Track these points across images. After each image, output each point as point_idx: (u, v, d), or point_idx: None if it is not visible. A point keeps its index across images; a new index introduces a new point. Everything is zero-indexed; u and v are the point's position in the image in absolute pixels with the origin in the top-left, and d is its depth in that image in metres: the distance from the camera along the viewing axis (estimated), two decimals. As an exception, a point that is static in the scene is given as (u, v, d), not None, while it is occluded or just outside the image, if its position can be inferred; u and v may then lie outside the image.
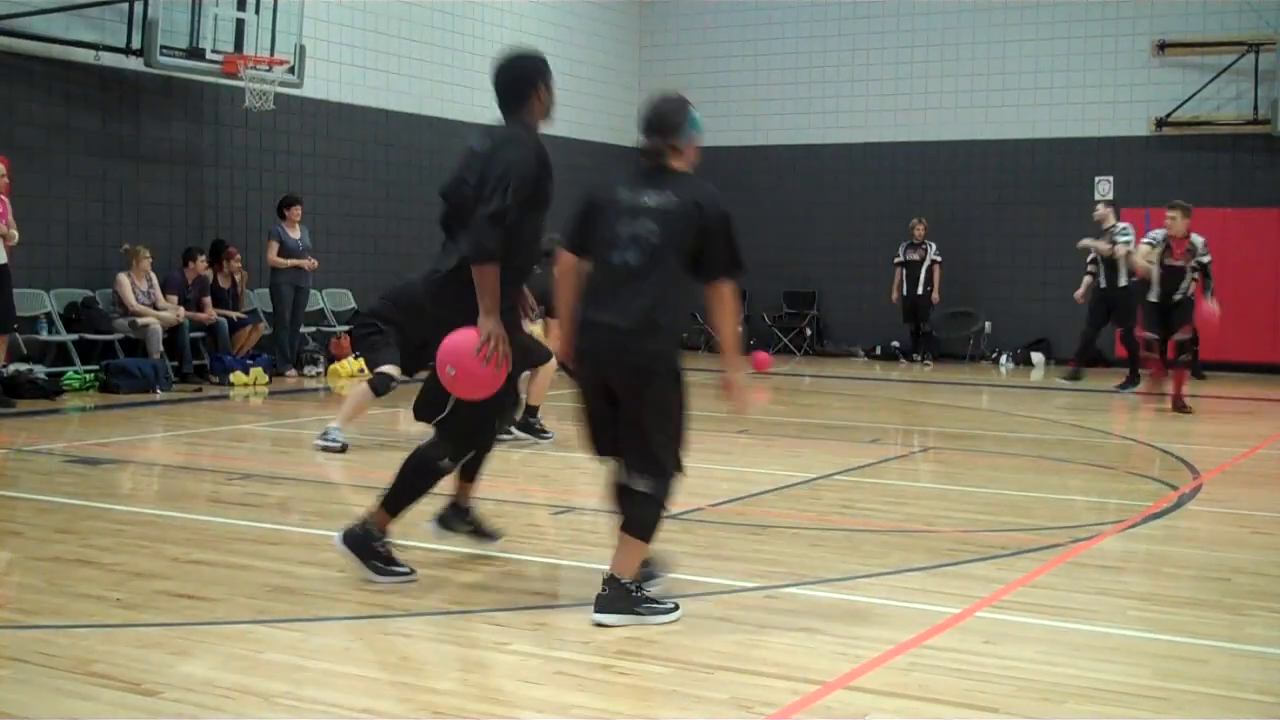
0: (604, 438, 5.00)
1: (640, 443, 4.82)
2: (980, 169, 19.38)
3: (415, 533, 6.38)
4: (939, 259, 18.43)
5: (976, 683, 4.15)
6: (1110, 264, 14.89)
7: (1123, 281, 14.66)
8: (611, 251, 4.82)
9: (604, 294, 4.82)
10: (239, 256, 14.53)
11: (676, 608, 4.83)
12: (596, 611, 4.73)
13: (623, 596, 4.74)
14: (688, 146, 5.08)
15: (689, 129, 5.07)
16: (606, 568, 4.84)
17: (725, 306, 4.88)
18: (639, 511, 4.82)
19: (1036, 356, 18.64)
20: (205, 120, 14.64)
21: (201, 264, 14.07)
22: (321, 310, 16.03)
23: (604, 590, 4.76)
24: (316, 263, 14.81)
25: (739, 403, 5.07)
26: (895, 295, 18.54)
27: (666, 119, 5.04)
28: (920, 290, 18.37)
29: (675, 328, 4.86)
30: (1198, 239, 12.73)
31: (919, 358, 18.61)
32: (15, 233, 11.48)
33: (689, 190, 4.89)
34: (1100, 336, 15.62)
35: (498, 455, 8.90)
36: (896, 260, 18.59)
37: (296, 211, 14.60)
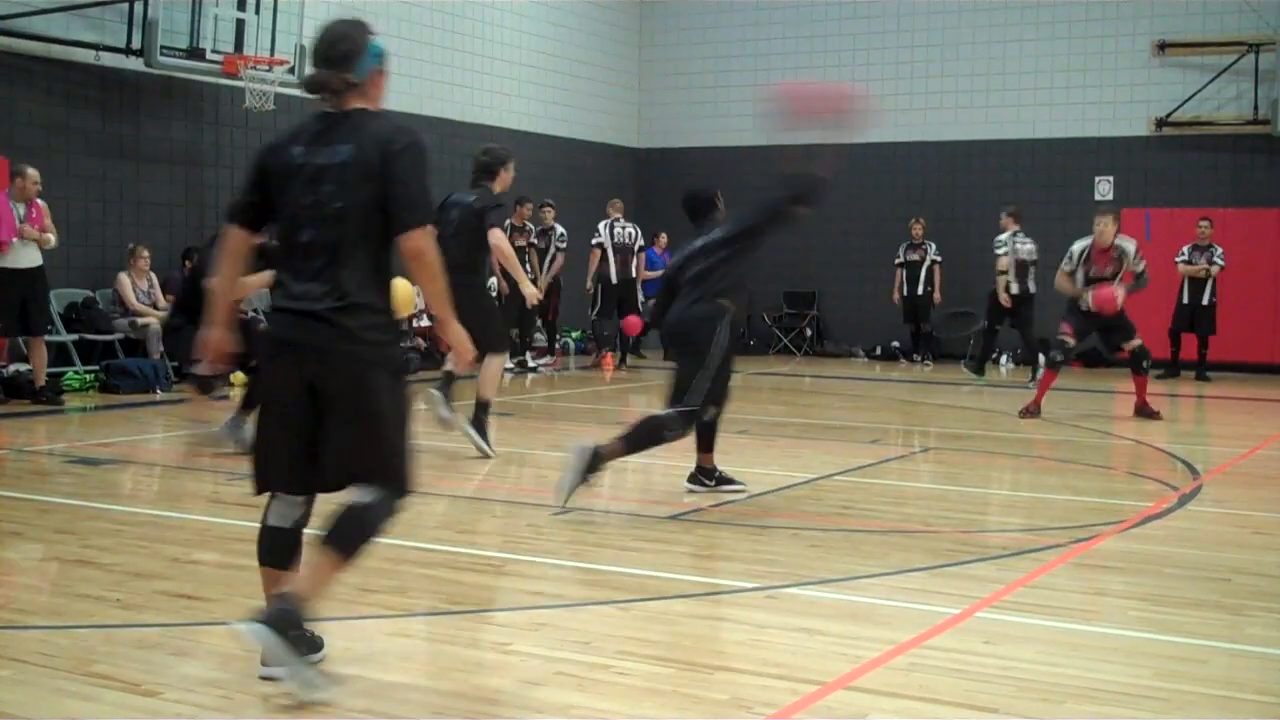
0: (293, 463, 4.01)
1: (359, 450, 3.95)
2: (980, 169, 19.38)
3: (413, 532, 6.39)
4: (939, 259, 18.41)
5: (976, 683, 4.15)
6: (1020, 268, 16.16)
7: (1016, 289, 16.08)
8: (294, 226, 4.01)
9: (294, 276, 4.00)
10: None
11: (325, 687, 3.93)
12: (252, 622, 3.84)
13: (291, 624, 3.83)
14: (369, 81, 4.10)
15: (367, 58, 4.09)
16: (269, 676, 3.98)
17: (423, 263, 4.02)
18: (357, 518, 3.96)
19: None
20: (205, 120, 14.64)
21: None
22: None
23: (269, 614, 3.84)
24: None
25: (461, 358, 4.36)
26: (896, 295, 18.52)
27: (337, 46, 4.06)
28: (921, 290, 18.36)
29: (386, 309, 4.08)
30: (1128, 245, 11.92)
31: (919, 358, 18.59)
32: (51, 236, 11.66)
33: (369, 137, 3.96)
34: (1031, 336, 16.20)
35: (497, 456, 8.89)
36: (897, 261, 18.56)
37: None
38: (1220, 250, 16.25)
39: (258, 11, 14.05)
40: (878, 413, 12.65)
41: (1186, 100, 17.92)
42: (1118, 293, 11.63)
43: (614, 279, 17.16)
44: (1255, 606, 5.24)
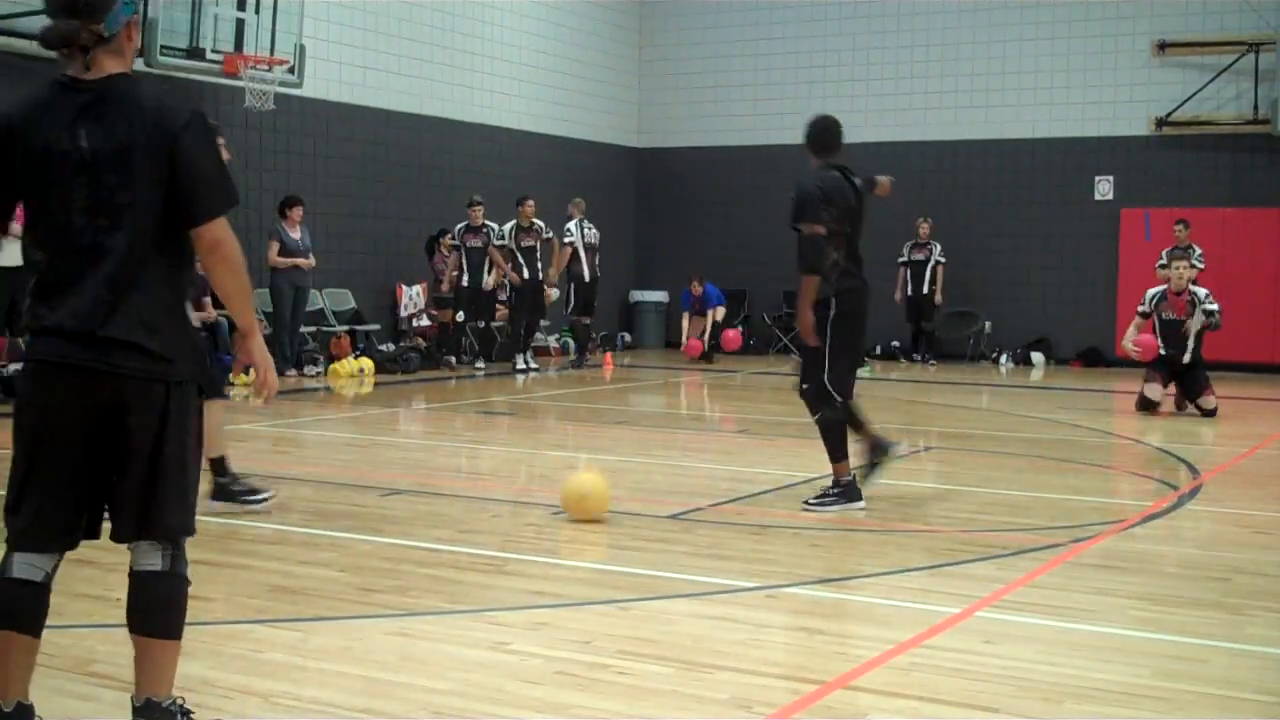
0: (61, 508, 3.30)
1: (148, 497, 3.29)
2: (980, 169, 19.38)
3: (414, 532, 6.39)
4: (943, 259, 18.40)
5: (976, 683, 4.15)
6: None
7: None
8: (61, 222, 3.26)
9: (64, 286, 3.25)
10: None
11: None
12: None
13: None
14: (123, 35, 3.33)
15: (120, 7, 3.31)
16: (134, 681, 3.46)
17: (223, 258, 3.35)
18: (169, 597, 3.37)
19: (1036, 356, 18.64)
20: (205, 120, 14.63)
21: (198, 264, 14.04)
22: (321, 310, 16.04)
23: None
24: (314, 260, 14.82)
25: (264, 383, 3.54)
26: (899, 295, 18.48)
27: None
28: (925, 290, 18.35)
29: (182, 324, 3.39)
30: (1199, 289, 12.69)
31: (920, 358, 18.57)
32: None
33: (148, 115, 3.25)
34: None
35: (497, 456, 8.89)
36: (900, 260, 18.54)
37: (298, 212, 14.61)
38: (1199, 251, 16.16)
39: (258, 11, 14.04)
40: (878, 413, 12.59)
41: (1186, 100, 17.92)
42: (1192, 337, 12.33)
43: (586, 277, 17.22)
44: (1255, 606, 5.24)
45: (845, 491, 7.19)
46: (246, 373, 13.60)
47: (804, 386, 7.27)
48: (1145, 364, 12.56)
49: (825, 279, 7.02)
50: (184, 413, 3.33)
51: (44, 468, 3.28)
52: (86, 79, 3.27)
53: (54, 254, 3.28)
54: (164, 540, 3.36)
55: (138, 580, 3.36)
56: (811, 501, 7.22)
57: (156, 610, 3.35)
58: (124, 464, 3.28)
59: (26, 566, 3.28)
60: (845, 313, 7.13)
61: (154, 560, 3.35)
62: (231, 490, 6.77)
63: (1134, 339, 12.42)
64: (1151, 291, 12.72)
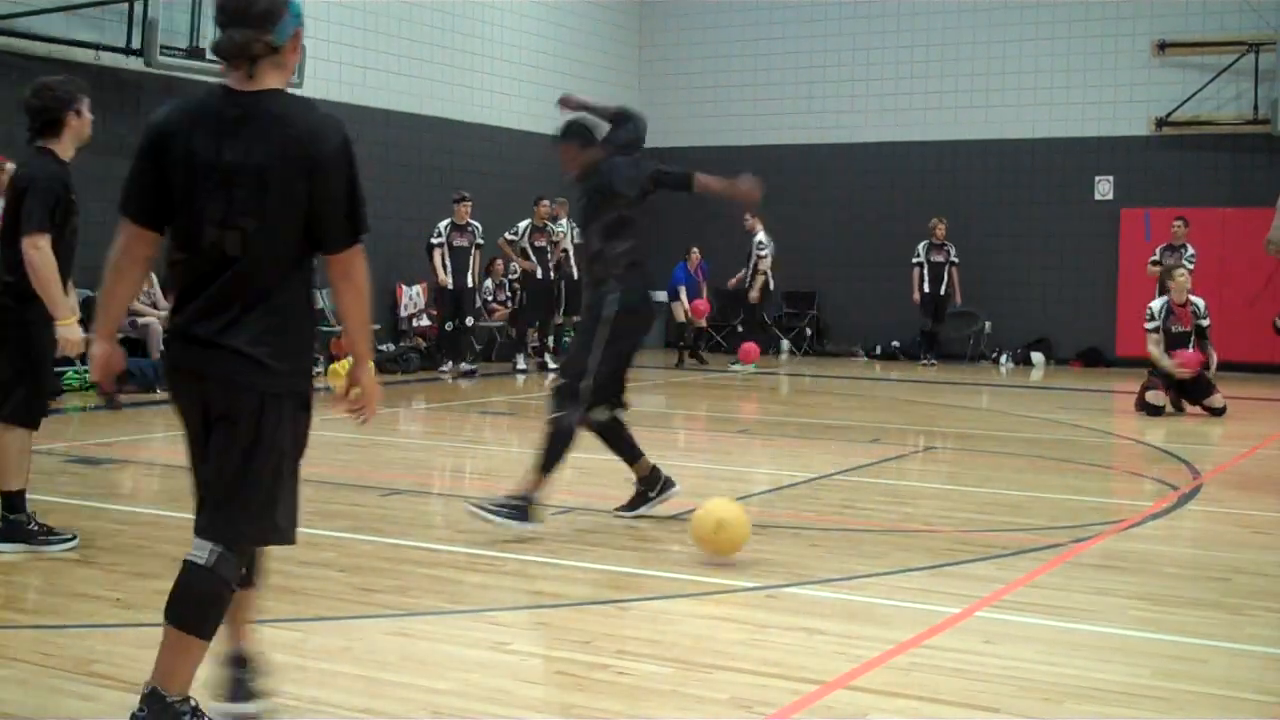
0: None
1: (223, 500, 3.37)
2: (980, 169, 19.38)
3: (414, 532, 6.39)
4: (956, 260, 18.27)
5: (977, 683, 4.15)
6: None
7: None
8: (195, 230, 3.33)
9: (193, 292, 3.36)
10: None
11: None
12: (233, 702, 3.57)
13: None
14: (288, 47, 3.41)
15: (290, 18, 3.40)
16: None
17: (350, 286, 3.38)
18: (201, 592, 3.40)
19: (1036, 356, 18.64)
20: (205, 120, 14.64)
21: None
22: (321, 310, 16.03)
23: (141, 712, 3.35)
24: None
25: (368, 410, 3.68)
26: (916, 295, 18.27)
27: (256, 2, 3.39)
28: (943, 291, 18.19)
29: (296, 339, 3.43)
30: (1198, 300, 12.73)
31: (926, 358, 18.41)
32: None
33: (292, 135, 3.28)
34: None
35: (496, 456, 8.88)
36: (916, 260, 18.32)
37: None
38: (1192, 251, 16.14)
39: (258, 11, 14.04)
40: (878, 412, 12.65)
41: (1186, 100, 17.92)
42: (1210, 354, 12.48)
43: (575, 275, 17.20)
44: (1255, 606, 5.24)
45: (522, 510, 6.20)
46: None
47: (561, 382, 6.43)
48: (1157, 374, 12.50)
49: (614, 264, 6.52)
50: (280, 425, 3.37)
51: (190, 459, 3.48)
52: (242, 91, 3.33)
53: (187, 260, 3.36)
54: (219, 542, 3.37)
55: (182, 568, 3.41)
56: (486, 506, 6.25)
57: (186, 601, 3.37)
58: (214, 464, 3.37)
59: (194, 551, 3.39)
60: (630, 308, 6.47)
61: (201, 554, 3.37)
62: (27, 530, 5.84)
63: (1179, 358, 12.27)
64: (1156, 305, 12.65)
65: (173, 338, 3.42)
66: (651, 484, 6.82)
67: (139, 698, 3.40)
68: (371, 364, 3.62)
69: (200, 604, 3.36)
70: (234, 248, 3.28)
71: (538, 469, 6.29)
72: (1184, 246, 16.33)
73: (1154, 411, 12.24)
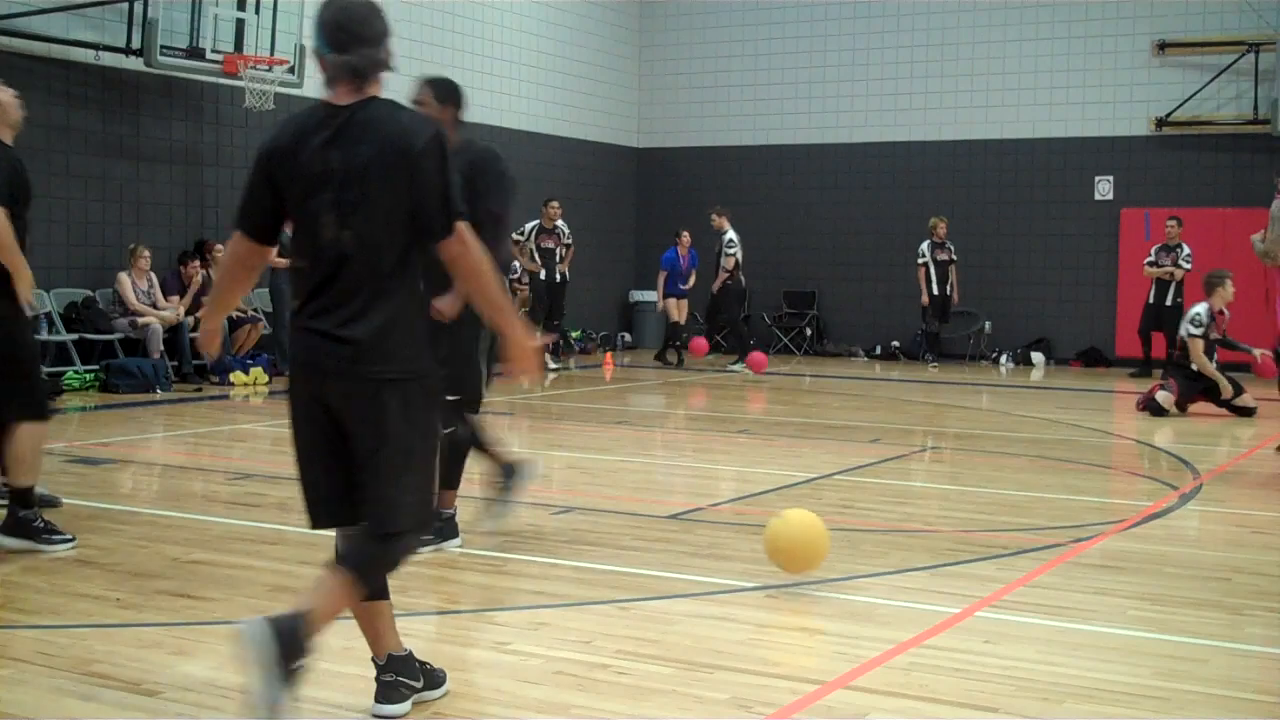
0: (323, 490, 3.68)
1: (368, 488, 3.59)
2: (980, 169, 19.39)
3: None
4: (955, 259, 18.15)
5: (976, 682, 4.15)
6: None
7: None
8: (313, 234, 3.60)
9: (315, 292, 3.63)
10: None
11: (442, 682, 3.97)
12: (383, 704, 3.78)
13: (408, 674, 3.84)
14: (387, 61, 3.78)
15: (388, 40, 3.77)
16: (385, 714, 3.81)
17: (461, 270, 3.58)
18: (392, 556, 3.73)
19: (1036, 356, 18.64)
20: (205, 120, 14.64)
21: (195, 265, 14.04)
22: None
23: (386, 678, 3.78)
24: None
25: (529, 374, 3.74)
26: (926, 296, 18.03)
27: (372, 24, 3.72)
28: (948, 291, 18.06)
29: (414, 328, 3.63)
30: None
31: (931, 358, 18.28)
32: None
33: (390, 136, 3.57)
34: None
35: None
36: (920, 260, 18.07)
37: None
38: (1187, 251, 16.30)
39: (258, 11, 14.04)
40: (877, 412, 12.65)
41: (1186, 100, 17.92)
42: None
43: (558, 278, 17.14)
44: (1255, 606, 5.24)
45: (444, 528, 5.92)
46: (246, 371, 13.62)
47: (456, 397, 5.72)
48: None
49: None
50: (407, 411, 3.55)
51: (304, 454, 3.67)
52: (343, 104, 3.59)
53: (309, 262, 3.62)
54: (390, 527, 3.59)
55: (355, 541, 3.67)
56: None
57: (363, 565, 3.63)
58: (352, 456, 3.58)
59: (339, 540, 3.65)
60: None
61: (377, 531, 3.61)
62: (33, 526, 5.87)
63: (1261, 369, 12.40)
64: (1203, 312, 12.46)
65: (298, 335, 3.64)
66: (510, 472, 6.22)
67: (375, 671, 3.75)
68: (519, 330, 3.68)
69: (376, 562, 3.67)
70: (349, 246, 3.52)
71: (447, 484, 5.80)
72: (1179, 246, 16.36)
73: (1159, 412, 12.23)
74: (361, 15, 3.67)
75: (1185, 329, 12.47)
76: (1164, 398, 12.24)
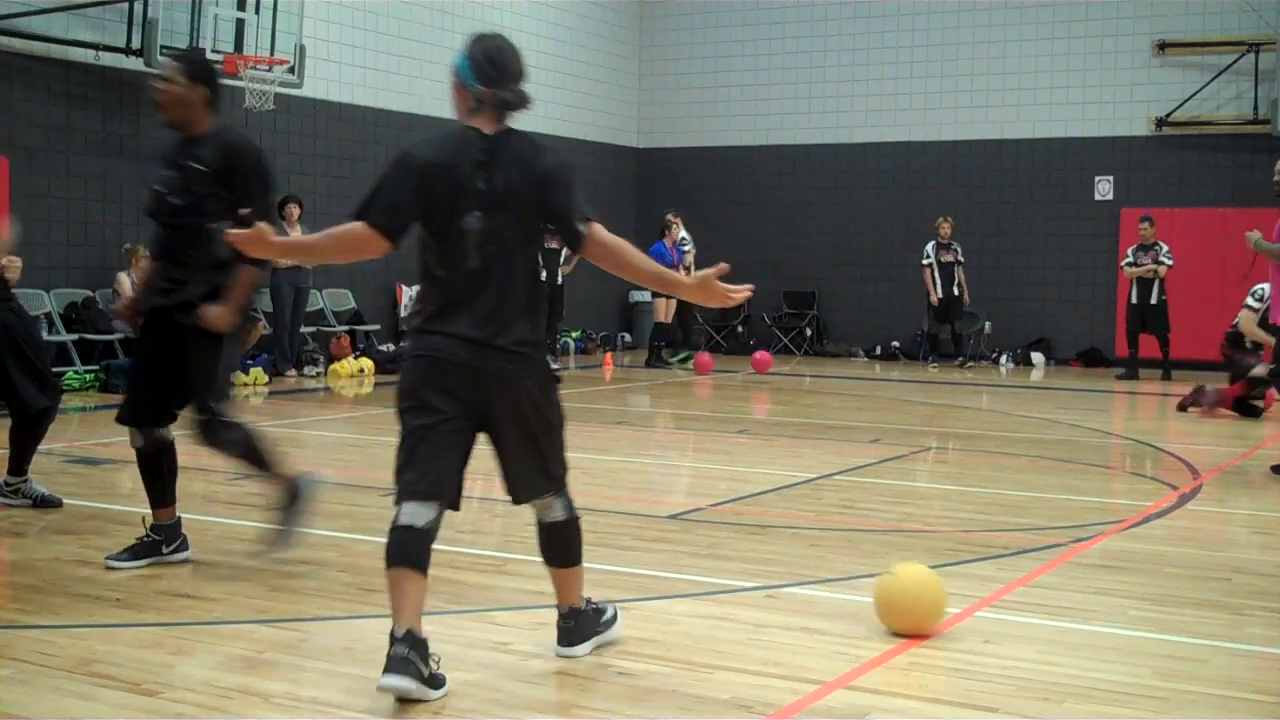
0: (441, 469, 4.04)
1: (532, 465, 4.15)
2: (980, 169, 19.39)
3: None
4: (963, 260, 17.91)
5: (976, 682, 4.15)
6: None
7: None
8: (460, 248, 4.00)
9: (460, 300, 4.00)
10: None
11: (616, 615, 4.54)
12: (567, 646, 4.36)
13: (586, 622, 4.44)
14: None
15: None
16: (570, 654, 4.36)
17: (611, 257, 4.04)
18: (571, 538, 4.37)
19: (1036, 356, 18.64)
20: (205, 120, 14.63)
21: None
22: (321, 310, 16.04)
23: (567, 621, 4.39)
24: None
25: (731, 297, 4.20)
26: (935, 298, 17.79)
27: (520, 61, 4.08)
28: (955, 291, 17.77)
29: (539, 325, 4.12)
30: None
31: (959, 360, 17.93)
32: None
33: (528, 164, 4.00)
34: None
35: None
36: (925, 261, 17.83)
37: (292, 211, 14.62)
38: (1166, 248, 16.17)
39: (258, 11, 14.05)
40: (877, 413, 12.65)
41: (1186, 100, 17.93)
42: None
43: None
44: (1255, 606, 5.24)
45: (167, 539, 5.63)
46: (246, 371, 13.63)
47: (208, 404, 5.36)
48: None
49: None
50: (546, 396, 4.08)
51: (432, 439, 3.98)
52: (489, 133, 4.01)
53: (451, 273, 3.99)
54: (555, 493, 4.23)
55: (543, 529, 4.31)
56: (118, 558, 5.54)
57: (562, 548, 4.33)
58: (508, 441, 4.08)
59: (412, 515, 3.95)
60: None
61: (555, 511, 4.26)
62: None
63: None
64: (1265, 287, 12.18)
65: (437, 339, 3.99)
66: (172, 537, 5.68)
67: (557, 618, 4.39)
68: (685, 283, 4.17)
69: (570, 542, 4.34)
70: (493, 261, 3.97)
71: (164, 502, 5.65)
72: (1157, 244, 16.15)
73: (1249, 412, 12.00)
74: (509, 55, 4.05)
75: (1247, 302, 12.21)
76: (1260, 369, 11.61)
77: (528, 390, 4.02)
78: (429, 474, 3.98)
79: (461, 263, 3.97)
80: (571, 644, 4.37)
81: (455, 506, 4.08)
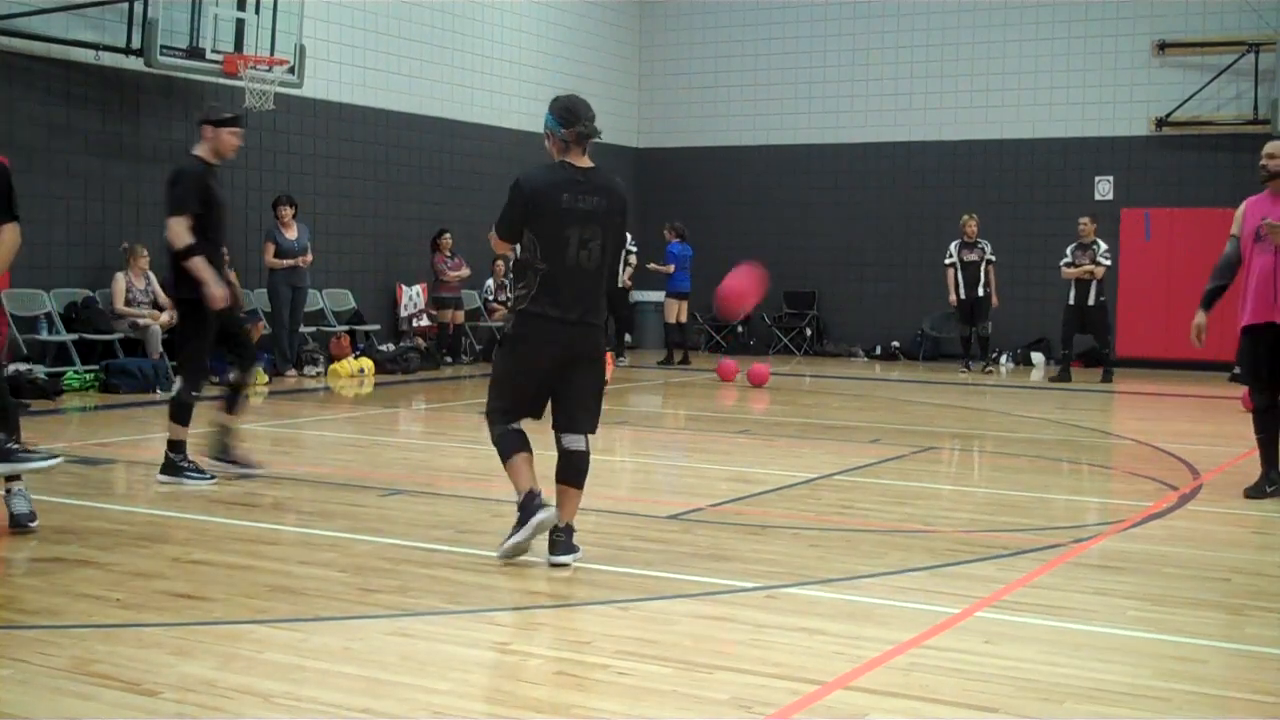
0: (531, 403, 5.85)
1: (584, 407, 5.83)
2: (980, 169, 19.39)
3: (414, 532, 6.39)
4: (994, 258, 17.17)
5: (976, 683, 4.15)
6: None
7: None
8: (562, 251, 5.66)
9: (560, 288, 5.67)
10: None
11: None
12: (562, 555, 5.71)
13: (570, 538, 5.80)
14: None
15: None
16: (562, 562, 5.69)
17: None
18: (585, 466, 5.85)
19: (1036, 356, 18.63)
20: (205, 120, 14.63)
21: None
22: (321, 310, 16.04)
23: (561, 537, 5.75)
24: (310, 257, 14.80)
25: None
26: (953, 297, 17.21)
27: (587, 110, 5.85)
28: (981, 292, 17.04)
29: (605, 309, 5.95)
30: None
31: (981, 364, 17.41)
32: None
33: (611, 194, 5.77)
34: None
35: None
36: (948, 261, 17.25)
37: (287, 212, 14.62)
38: (1105, 247, 15.77)
39: (258, 11, 14.05)
40: (878, 412, 12.65)
41: (1186, 100, 17.93)
42: None
43: None
44: (1255, 606, 5.24)
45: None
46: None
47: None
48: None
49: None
50: (604, 362, 5.90)
51: (526, 385, 5.78)
52: (581, 166, 5.72)
53: (554, 268, 5.62)
54: (587, 432, 5.84)
55: (569, 454, 5.80)
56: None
57: (578, 472, 5.81)
58: (572, 389, 5.76)
59: (570, 442, 5.84)
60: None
61: (580, 444, 5.80)
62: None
63: None
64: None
65: (543, 317, 5.65)
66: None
67: (552, 533, 5.74)
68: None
69: (584, 470, 5.82)
70: (589, 262, 5.67)
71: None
72: (1095, 243, 15.73)
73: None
74: (580, 103, 5.83)
75: None
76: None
77: (592, 354, 5.78)
78: (520, 408, 5.86)
79: (561, 262, 5.62)
80: (563, 553, 5.68)
81: (540, 415, 5.88)
